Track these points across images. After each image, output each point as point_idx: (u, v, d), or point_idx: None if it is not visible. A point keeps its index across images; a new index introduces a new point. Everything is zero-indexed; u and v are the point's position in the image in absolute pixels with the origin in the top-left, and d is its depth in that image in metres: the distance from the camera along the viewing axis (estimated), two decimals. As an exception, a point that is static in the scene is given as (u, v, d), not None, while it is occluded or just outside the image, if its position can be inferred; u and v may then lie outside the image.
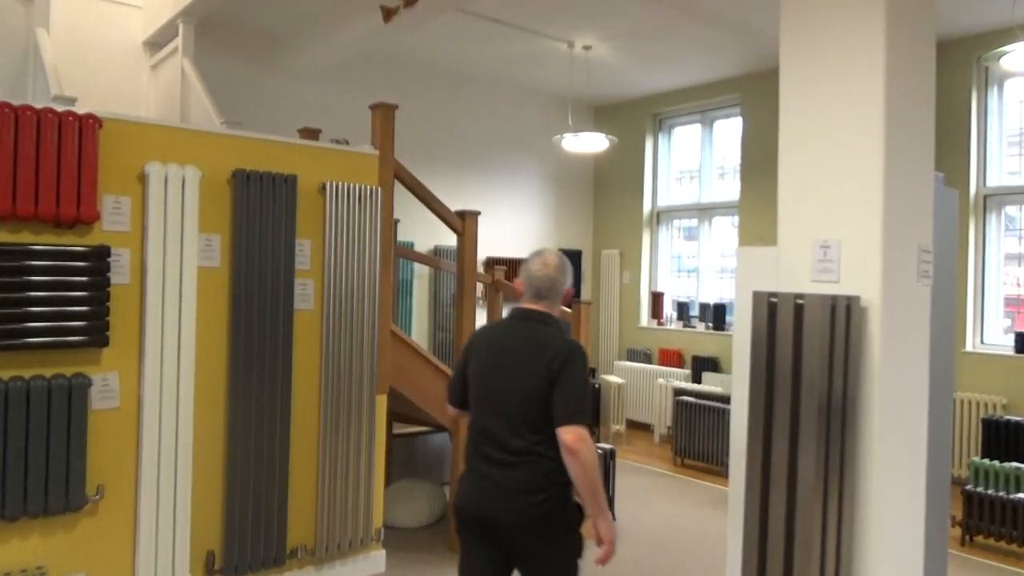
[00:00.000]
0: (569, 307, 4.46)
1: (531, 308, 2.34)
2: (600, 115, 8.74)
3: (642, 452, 6.76)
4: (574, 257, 8.63)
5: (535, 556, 2.20)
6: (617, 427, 6.96)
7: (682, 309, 7.88)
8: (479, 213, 4.02)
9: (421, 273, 7.33)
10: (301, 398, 3.40)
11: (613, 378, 7.17)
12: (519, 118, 8.14)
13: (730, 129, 7.77)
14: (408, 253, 5.05)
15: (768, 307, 2.48)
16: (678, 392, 6.72)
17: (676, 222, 8.32)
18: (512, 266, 7.95)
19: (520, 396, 2.18)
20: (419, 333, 7.34)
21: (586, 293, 8.80)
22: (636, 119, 8.37)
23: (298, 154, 3.42)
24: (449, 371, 3.96)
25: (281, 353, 3.30)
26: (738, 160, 7.40)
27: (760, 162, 7.16)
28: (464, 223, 3.97)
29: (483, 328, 2.46)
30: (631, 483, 5.59)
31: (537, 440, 2.17)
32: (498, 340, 2.32)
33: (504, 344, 2.28)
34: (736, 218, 7.52)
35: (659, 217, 8.35)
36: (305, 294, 3.42)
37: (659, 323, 8.11)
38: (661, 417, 7.10)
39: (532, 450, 2.17)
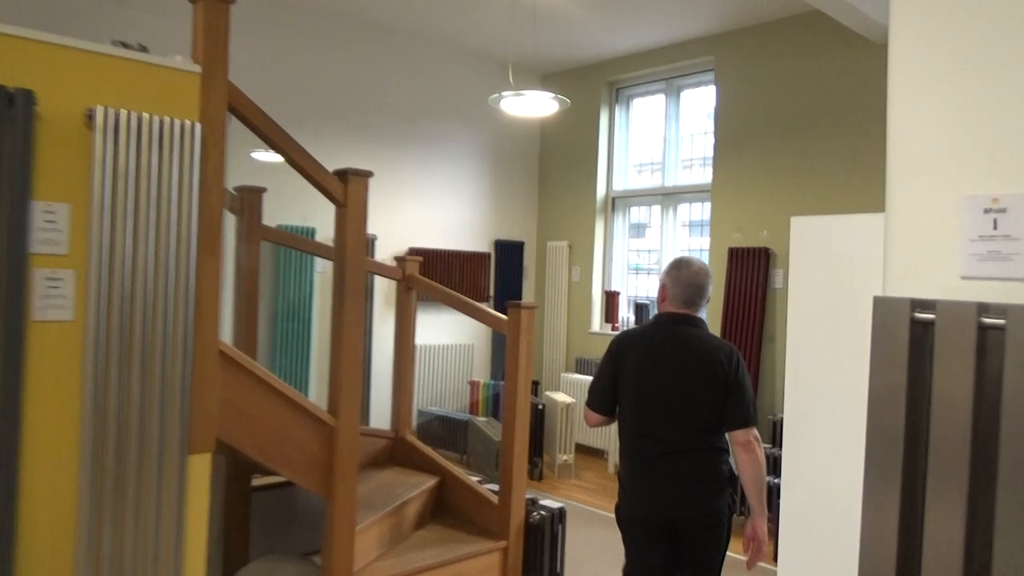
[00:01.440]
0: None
1: (687, 313, 2.40)
2: (548, 83, 7.46)
3: (595, 488, 5.53)
4: (515, 250, 7.35)
5: (707, 549, 2.31)
6: (564, 457, 5.71)
7: (640, 312, 6.67)
8: (370, 175, 2.70)
9: (327, 268, 5.94)
10: (45, 467, 2.02)
11: (559, 396, 5.92)
12: (450, 83, 6.80)
13: (700, 99, 6.59)
14: (277, 235, 3.66)
15: (912, 327, 1.23)
16: (639, 415, 5.50)
17: (635, 210, 7.10)
18: (439, 259, 6.62)
19: (698, 400, 2.28)
20: (326, 354, 5.95)
21: (528, 293, 7.53)
22: (590, 88, 7.12)
23: (42, 57, 2.03)
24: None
25: (2, 394, 1.92)
26: (710, 136, 6.23)
27: (738, 137, 5.99)
28: (347, 188, 2.63)
29: (631, 334, 2.53)
30: (582, 539, 4.34)
31: (714, 440, 2.31)
32: (662, 347, 2.36)
33: (670, 350, 2.34)
34: (707, 205, 6.35)
35: (614, 204, 7.13)
36: (56, 295, 2.04)
37: (614, 328, 6.89)
38: (614, 442, 5.86)
39: (710, 449, 2.30)
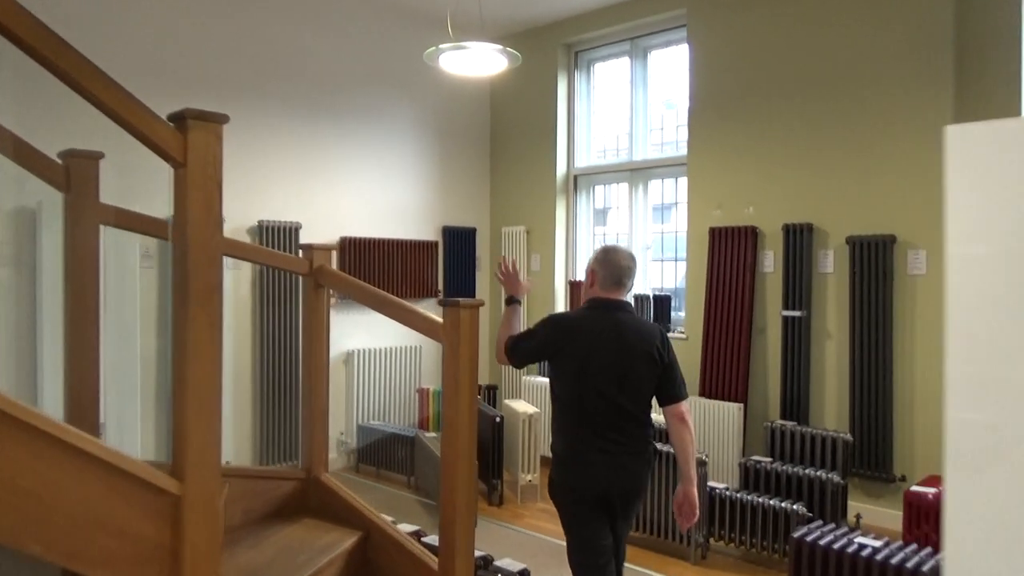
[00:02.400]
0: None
1: (618, 298, 2.57)
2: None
3: (564, 512, 4.72)
4: (466, 237, 6.49)
5: (628, 516, 2.59)
6: (528, 477, 4.88)
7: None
8: (224, 120, 1.82)
9: (239, 265, 5.01)
10: None
11: (520, 405, 5.08)
12: (383, 47, 5.90)
13: (671, 61, 5.79)
14: (129, 219, 2.71)
15: None
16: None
17: (600, 188, 6.29)
18: (378, 249, 5.73)
19: (639, 380, 2.47)
20: (239, 366, 5.03)
21: (483, 286, 6.67)
22: (545, 52, 6.28)
23: None
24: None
25: None
26: (683, 103, 5.44)
27: (715, 103, 5.21)
28: (186, 140, 1.74)
29: (569, 316, 2.77)
30: (553, 585, 3.51)
31: (647, 418, 2.53)
32: (602, 331, 2.49)
33: (610, 335, 2.48)
34: (682, 181, 5.56)
35: (577, 182, 6.31)
36: None
37: (580, 323, 6.08)
38: (589, 456, 5.07)
39: (646, 426, 2.52)
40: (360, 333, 5.75)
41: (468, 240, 6.47)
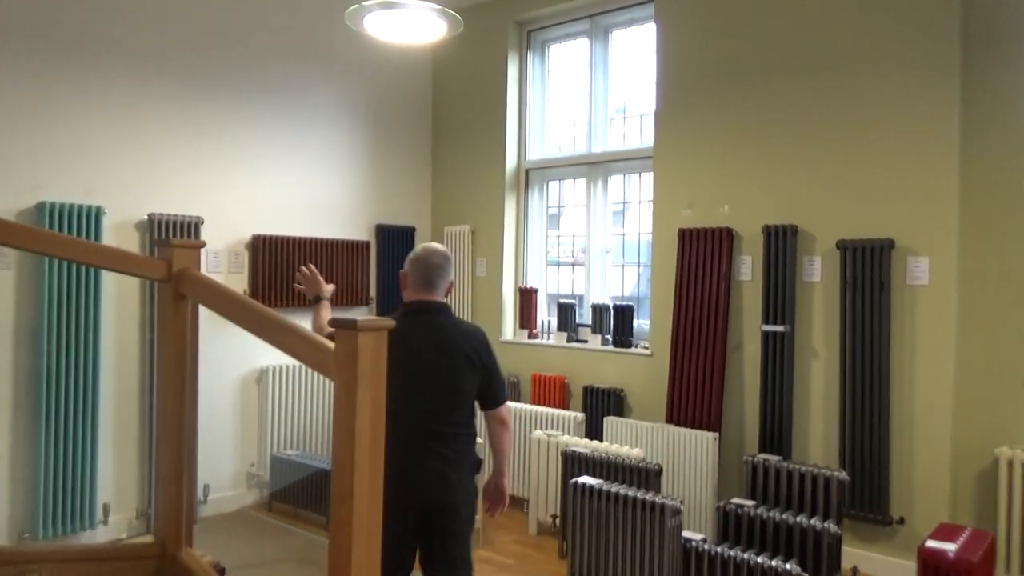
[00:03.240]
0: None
1: (431, 300, 2.45)
2: (440, 27, 5.88)
3: (515, 561, 4.01)
4: (403, 237, 5.74)
5: (463, 528, 2.45)
6: (469, 518, 4.15)
7: (565, 313, 5.20)
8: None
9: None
10: None
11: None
12: (304, 16, 5.12)
13: (635, 42, 5.15)
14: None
15: None
16: (570, 458, 4.01)
17: (554, 184, 5.62)
18: (297, 250, 4.97)
19: (461, 386, 2.39)
20: (121, 390, 4.19)
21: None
22: (494, 30, 5.58)
23: None
24: None
25: None
26: (649, 88, 4.80)
27: (686, 88, 4.58)
28: None
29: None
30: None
31: (472, 426, 2.47)
32: (421, 336, 2.38)
33: (429, 339, 2.38)
34: (647, 177, 4.92)
35: (529, 177, 5.62)
36: None
37: (531, 335, 5.39)
38: (540, 491, 4.37)
39: (469, 435, 2.45)
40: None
41: (406, 241, 5.72)
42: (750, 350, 4.27)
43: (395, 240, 5.65)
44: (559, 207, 5.61)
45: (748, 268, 4.30)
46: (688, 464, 4.17)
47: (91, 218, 4.01)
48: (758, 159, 4.27)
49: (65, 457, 3.92)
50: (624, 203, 5.21)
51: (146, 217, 4.30)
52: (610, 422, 4.56)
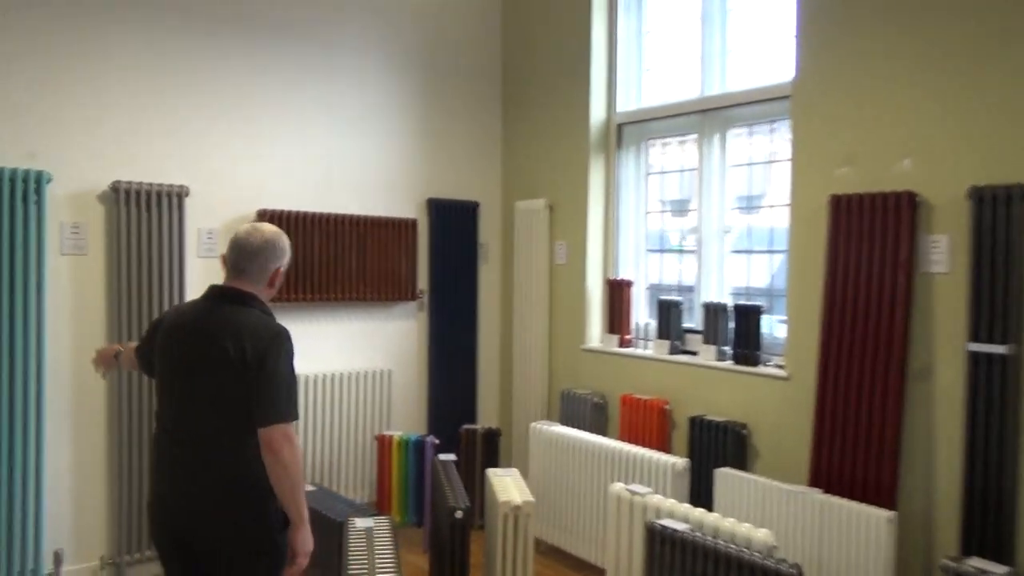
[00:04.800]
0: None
1: (230, 286, 2.01)
2: (512, -53, 4.66)
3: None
4: (462, 216, 4.57)
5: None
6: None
7: (667, 315, 3.86)
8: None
9: (81, 247, 3.25)
10: None
11: (509, 485, 3.10)
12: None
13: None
14: None
15: None
16: (657, 536, 2.70)
17: (655, 144, 4.26)
18: (321, 229, 3.93)
19: (223, 390, 1.89)
20: (84, 408, 3.27)
21: (488, 286, 4.74)
22: (577, -57, 4.28)
23: None
24: None
25: None
26: (788, 7, 3.36)
27: (844, 3, 3.11)
28: None
29: (179, 306, 2.37)
30: None
31: (248, 441, 1.86)
32: (186, 324, 2.00)
33: (194, 328, 1.97)
34: (782, 126, 3.49)
35: (621, 135, 4.29)
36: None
37: (623, 342, 4.09)
38: (621, 566, 3.07)
39: (242, 452, 1.88)
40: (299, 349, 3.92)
41: (466, 219, 4.56)
42: (946, 379, 2.78)
43: (453, 218, 4.49)
44: (661, 173, 4.24)
45: (943, 253, 2.81)
46: (845, 561, 2.74)
47: (29, 187, 3.09)
48: (961, 88, 2.76)
49: (-5, 494, 3.04)
50: (750, 164, 3.79)
51: (108, 186, 3.35)
52: (724, 477, 3.18)
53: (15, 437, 3.07)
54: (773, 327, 3.54)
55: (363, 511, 3.44)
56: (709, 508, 3.03)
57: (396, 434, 3.95)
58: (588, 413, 4.02)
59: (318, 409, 3.97)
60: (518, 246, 4.57)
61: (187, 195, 3.52)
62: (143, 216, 3.38)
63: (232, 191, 3.72)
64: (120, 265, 3.33)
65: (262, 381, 1.86)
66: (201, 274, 3.62)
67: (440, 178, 4.49)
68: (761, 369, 3.40)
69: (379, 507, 3.93)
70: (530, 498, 2.93)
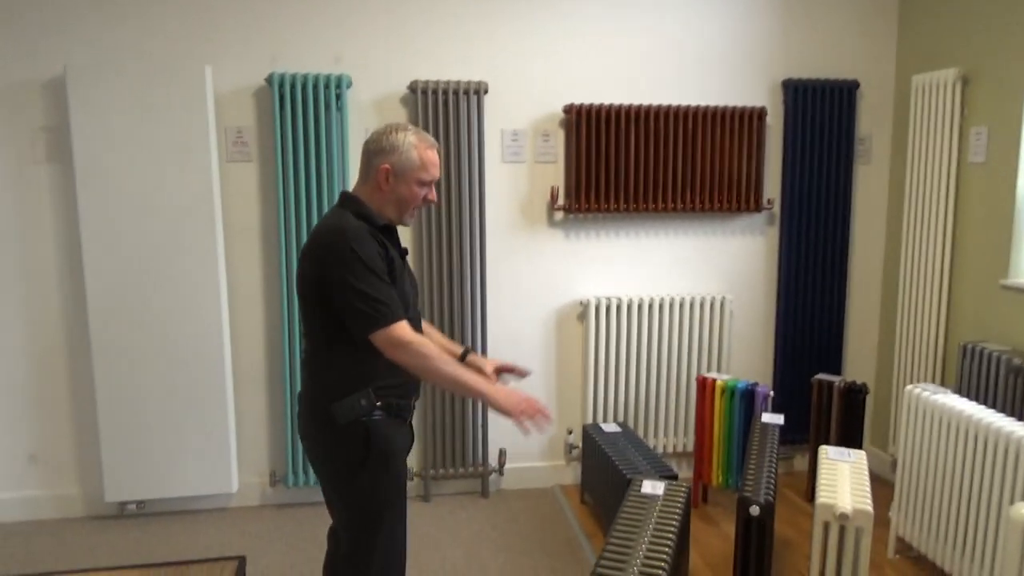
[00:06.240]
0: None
1: (345, 191, 1.87)
2: None
3: None
4: (834, 99, 3.46)
5: (321, 478, 1.85)
6: None
7: None
8: None
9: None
10: None
11: (845, 464, 2.19)
12: None
13: None
14: None
15: None
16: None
17: None
18: (628, 122, 3.28)
19: (301, 299, 1.79)
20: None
21: (867, 191, 3.57)
22: None
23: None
24: None
25: None
26: None
27: None
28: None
29: None
30: None
31: (318, 344, 1.79)
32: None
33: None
34: None
35: (1104, -45, 2.71)
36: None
37: (1072, 282, 2.70)
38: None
39: (317, 357, 1.80)
40: (600, 270, 3.43)
41: (838, 104, 3.43)
42: None
43: (819, 104, 3.41)
44: None
45: None
46: None
47: (331, 91, 3.01)
48: None
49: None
50: None
51: (407, 87, 3.13)
52: None
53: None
54: None
55: (662, 468, 2.84)
56: None
57: (721, 378, 3.21)
58: (1001, 380, 2.76)
59: (633, 339, 3.41)
60: (913, 138, 3.31)
61: (486, 92, 3.15)
62: (440, 115, 3.11)
63: (535, 84, 3.24)
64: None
65: (328, 284, 1.68)
66: (507, 182, 3.27)
67: (802, 50, 3.42)
68: None
69: (696, 464, 3.27)
70: (868, 506, 2.01)
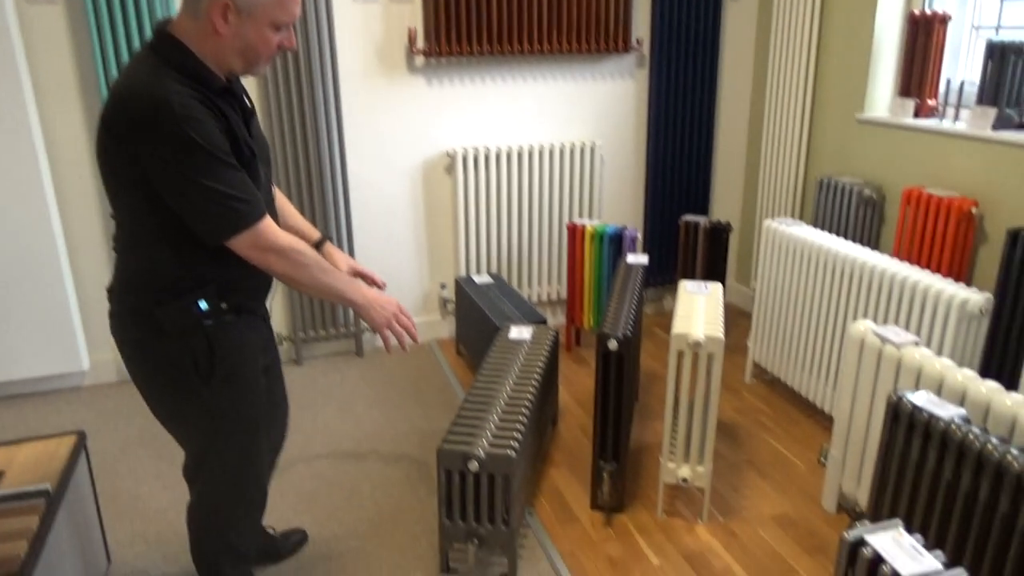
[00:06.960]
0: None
1: (162, 26, 1.36)
2: None
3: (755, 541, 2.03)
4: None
5: (132, 375, 1.50)
6: (683, 468, 2.21)
7: (999, 68, 2.46)
8: None
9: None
10: None
11: (700, 296, 2.25)
12: None
13: None
14: None
15: None
16: (902, 413, 1.72)
17: None
18: None
19: (101, 166, 1.36)
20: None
21: (735, 30, 3.52)
22: None
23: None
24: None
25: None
26: None
27: None
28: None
29: None
30: None
31: (124, 238, 1.42)
32: None
33: None
34: None
35: None
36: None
37: (923, 111, 2.77)
38: (857, 429, 2.15)
39: (122, 252, 1.43)
40: (466, 119, 3.27)
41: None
42: None
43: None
44: None
45: None
46: None
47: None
48: None
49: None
50: None
51: None
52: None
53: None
54: None
55: (533, 315, 2.85)
56: (1012, 385, 1.91)
57: (589, 223, 3.20)
58: (852, 211, 2.87)
59: (503, 189, 3.33)
60: (780, -30, 3.23)
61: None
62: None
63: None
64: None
65: (168, 187, 1.30)
66: (359, 23, 3.00)
67: None
68: None
69: (568, 309, 3.31)
70: (719, 333, 2.06)
